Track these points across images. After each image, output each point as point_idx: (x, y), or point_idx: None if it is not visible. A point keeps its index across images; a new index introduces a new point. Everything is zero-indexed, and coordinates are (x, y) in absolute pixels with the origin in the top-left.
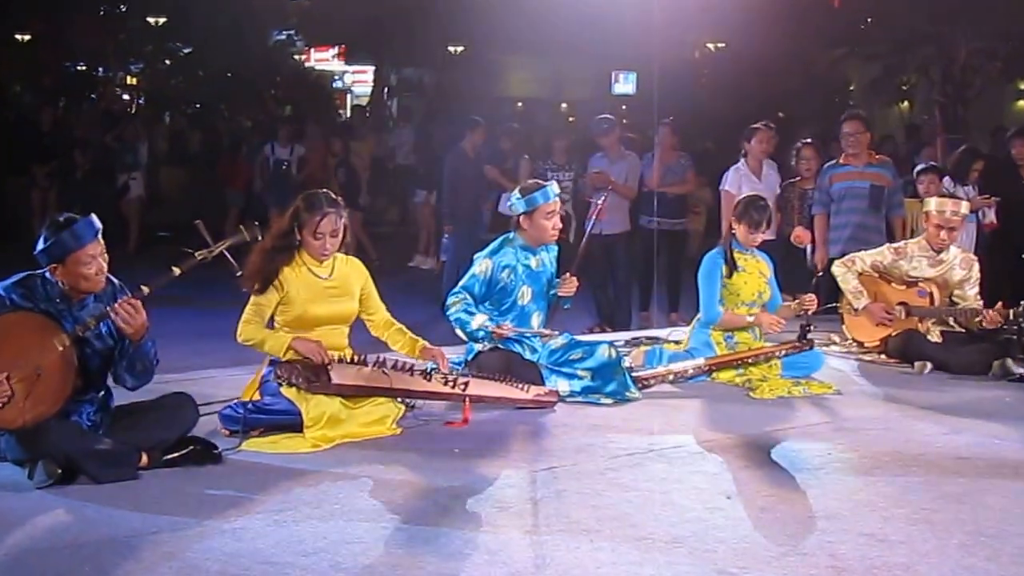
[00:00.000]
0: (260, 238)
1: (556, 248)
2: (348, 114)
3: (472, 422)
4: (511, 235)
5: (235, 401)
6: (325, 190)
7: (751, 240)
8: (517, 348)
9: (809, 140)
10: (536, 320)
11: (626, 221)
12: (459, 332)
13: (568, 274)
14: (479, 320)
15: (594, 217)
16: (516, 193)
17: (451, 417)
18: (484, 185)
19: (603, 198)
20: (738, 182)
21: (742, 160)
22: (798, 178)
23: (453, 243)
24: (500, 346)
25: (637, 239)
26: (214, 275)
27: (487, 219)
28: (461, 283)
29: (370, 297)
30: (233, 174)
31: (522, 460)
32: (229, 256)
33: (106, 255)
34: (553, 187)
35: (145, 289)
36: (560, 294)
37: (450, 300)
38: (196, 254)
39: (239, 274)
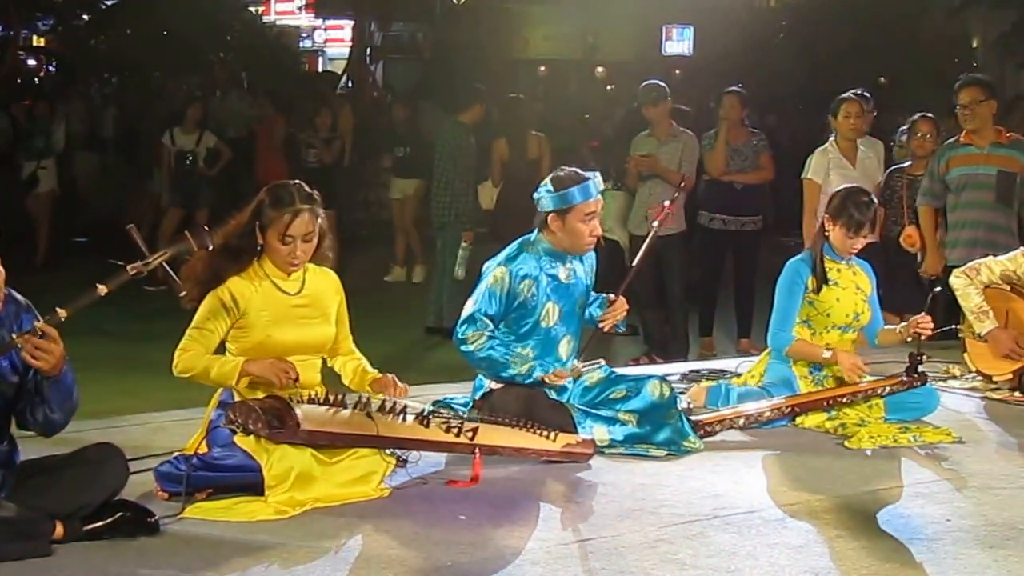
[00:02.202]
0: (211, 247)
1: (593, 254)
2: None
3: (483, 481)
4: (532, 237)
5: (176, 455)
6: (296, 182)
7: (849, 246)
8: (542, 386)
9: (926, 114)
10: (566, 348)
11: (680, 219)
12: (485, 374)
13: (614, 296)
14: (523, 361)
15: (657, 223)
16: (547, 184)
17: (456, 474)
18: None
19: (672, 199)
20: (824, 168)
21: (830, 140)
22: (908, 162)
23: (468, 252)
24: (516, 384)
25: (695, 243)
26: (148, 295)
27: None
28: (472, 303)
29: (342, 321)
30: None
31: (548, 530)
32: (169, 270)
33: (0, 268)
34: (597, 181)
35: (62, 313)
36: (604, 324)
37: (465, 332)
38: (128, 268)
39: (183, 294)
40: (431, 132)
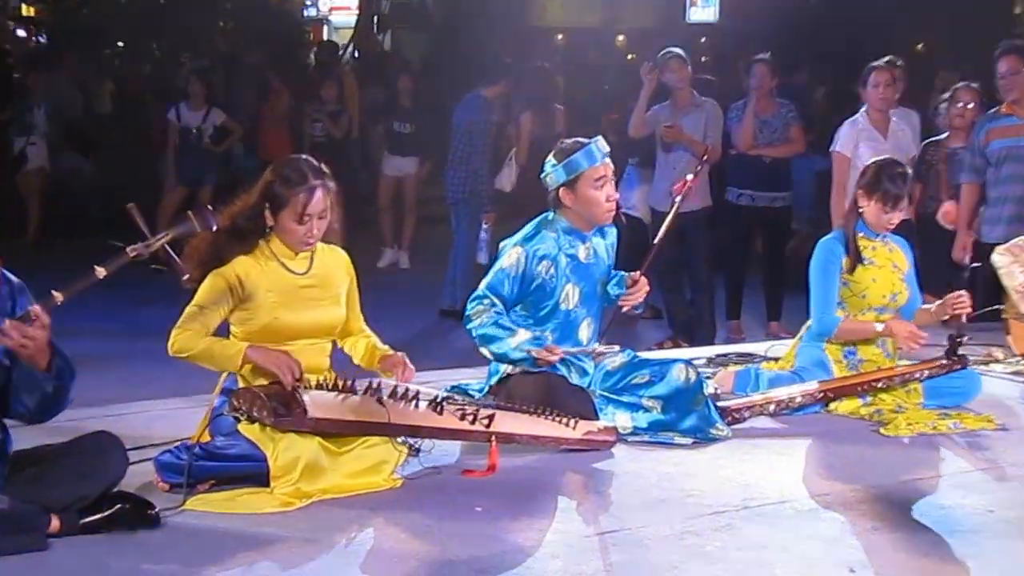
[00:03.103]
0: (215, 227)
1: (614, 231)
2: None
3: (500, 470)
4: (550, 215)
5: (177, 444)
6: (304, 156)
7: (885, 222)
8: (561, 369)
9: (969, 83)
10: (586, 331)
11: (705, 194)
12: (485, 351)
13: (637, 274)
14: (518, 338)
15: (680, 196)
16: (550, 159)
17: (471, 464)
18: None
19: (695, 171)
20: (853, 141)
21: (861, 111)
22: (946, 134)
23: (489, 236)
24: (537, 367)
25: (722, 220)
26: (149, 278)
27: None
28: (484, 282)
29: (352, 302)
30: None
31: (569, 522)
32: (171, 252)
33: None
34: (599, 144)
35: (57, 296)
36: (625, 304)
37: (471, 308)
38: (127, 249)
39: (186, 277)
40: (442, 106)
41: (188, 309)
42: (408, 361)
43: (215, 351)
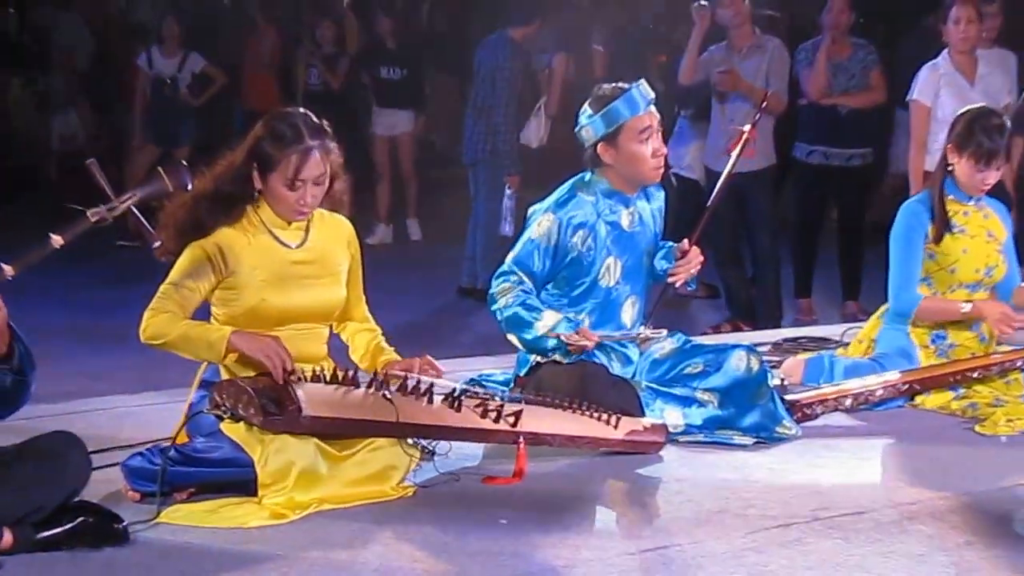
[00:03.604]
0: (190, 187)
1: (662, 195)
2: None
3: (528, 477)
4: (587, 176)
5: (149, 446)
6: (303, 111)
7: (979, 182)
8: (600, 357)
9: None
10: (630, 312)
11: (769, 150)
12: (512, 338)
13: (686, 242)
14: (548, 320)
15: (736, 152)
16: (585, 109)
17: (495, 469)
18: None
19: (753, 120)
20: (934, 88)
21: (944, 55)
22: None
23: (514, 202)
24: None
25: (789, 181)
26: (115, 251)
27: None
28: (511, 256)
29: (354, 281)
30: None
31: (609, 538)
32: (141, 218)
33: None
34: (643, 89)
35: (8, 269)
36: (674, 279)
37: (496, 285)
38: (88, 213)
39: (156, 245)
40: (454, 43)
41: (163, 287)
42: (435, 363)
43: (194, 337)
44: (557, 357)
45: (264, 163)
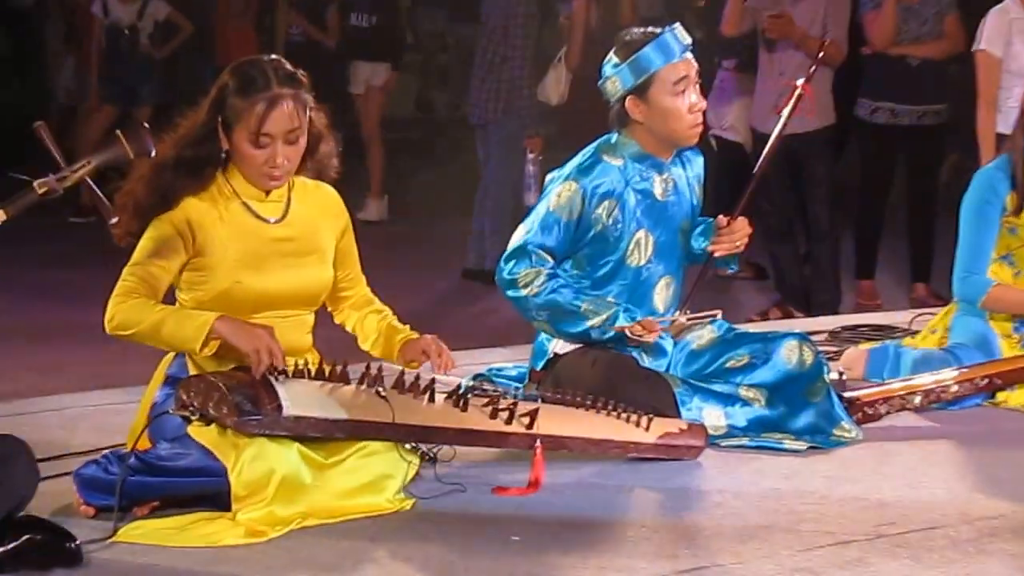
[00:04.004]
0: (153, 153)
1: (701, 160)
2: None
3: (545, 487)
4: (613, 137)
5: (105, 453)
6: (273, 57)
7: None
8: (629, 348)
9: None
10: (663, 296)
11: (827, 108)
12: (547, 327)
13: (727, 217)
14: (603, 308)
15: (787, 110)
16: (610, 58)
17: (506, 478)
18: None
19: (808, 73)
20: (1004, 35)
21: None
22: None
23: (539, 168)
24: (596, 346)
25: (850, 144)
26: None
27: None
28: (523, 231)
29: (347, 257)
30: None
31: (639, 557)
32: (96, 189)
33: None
34: (678, 32)
35: None
36: (714, 250)
37: (515, 270)
38: (36, 184)
39: (114, 221)
40: None
41: (128, 270)
42: (444, 346)
43: (171, 325)
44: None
45: (228, 116)
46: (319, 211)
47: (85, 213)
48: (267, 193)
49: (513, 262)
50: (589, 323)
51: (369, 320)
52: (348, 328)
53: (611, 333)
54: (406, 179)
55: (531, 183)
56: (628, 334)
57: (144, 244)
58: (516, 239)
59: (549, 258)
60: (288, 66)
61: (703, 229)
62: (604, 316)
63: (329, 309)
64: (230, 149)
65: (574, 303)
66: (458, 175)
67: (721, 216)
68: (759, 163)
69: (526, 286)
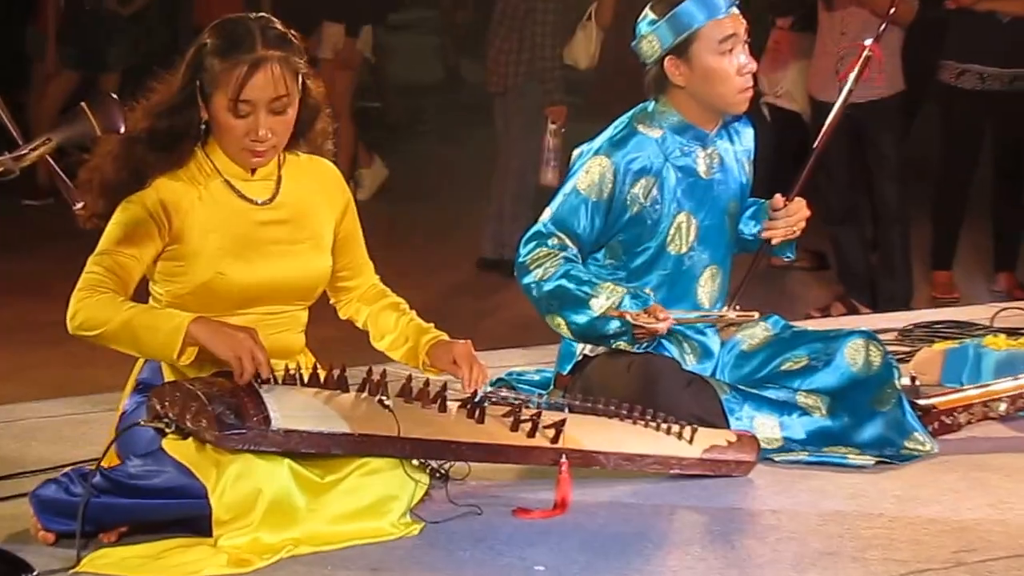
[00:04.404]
0: (123, 129)
1: (751, 131)
2: None
3: (574, 508)
4: (650, 106)
5: (67, 470)
6: (259, 15)
7: None
8: (669, 348)
9: None
10: (709, 287)
11: (896, 72)
12: (553, 322)
13: (779, 198)
14: (607, 294)
15: (853, 75)
16: (647, 14)
17: (528, 499)
18: None
19: (877, 32)
20: None
21: None
22: None
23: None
24: (633, 347)
25: (924, 113)
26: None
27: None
28: (548, 212)
29: (350, 241)
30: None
31: None
32: (57, 168)
33: None
34: None
35: None
36: (768, 236)
37: (527, 252)
38: None
39: (79, 206)
40: None
41: (93, 259)
42: (476, 357)
43: (141, 326)
44: (622, 345)
45: (206, 81)
46: (314, 189)
47: (42, 195)
48: (252, 170)
49: (531, 245)
50: (590, 309)
51: (386, 315)
52: (358, 324)
53: (616, 322)
54: (413, 155)
55: (550, 158)
56: (631, 321)
57: (112, 230)
58: (540, 221)
59: (571, 242)
60: (279, 25)
61: (754, 211)
62: (609, 301)
63: (332, 302)
64: (209, 120)
65: (582, 290)
66: (477, 150)
67: (777, 196)
68: (820, 136)
69: (535, 268)
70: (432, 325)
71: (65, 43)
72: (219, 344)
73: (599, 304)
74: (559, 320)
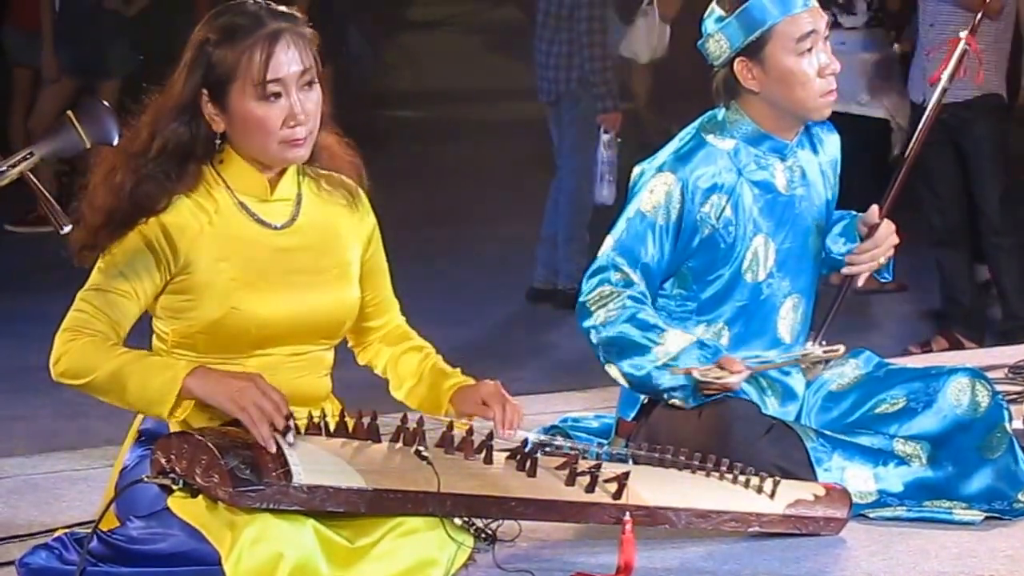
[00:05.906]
0: (117, 140)
1: (836, 139)
2: None
3: (639, 572)
4: (720, 114)
5: (60, 533)
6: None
7: None
8: (746, 390)
9: None
10: (790, 319)
11: (998, 73)
12: (614, 371)
13: (875, 210)
14: (673, 342)
15: (947, 72)
16: (713, 10)
17: (588, 562)
18: None
19: (973, 24)
20: None
21: None
22: None
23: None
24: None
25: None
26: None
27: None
28: (609, 242)
29: (376, 273)
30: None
31: None
32: (42, 188)
33: None
34: None
35: None
36: (852, 270)
37: (590, 290)
38: None
39: (66, 229)
40: None
41: (83, 295)
42: (508, 397)
43: (131, 378)
44: (676, 402)
45: (217, 79)
46: (338, 211)
47: (29, 220)
48: (283, 165)
49: (593, 281)
50: (654, 358)
51: (407, 360)
52: (377, 370)
53: (677, 380)
54: (455, 170)
55: (605, 172)
56: (699, 378)
57: (105, 261)
58: (600, 254)
59: (637, 277)
60: (277, 5)
61: (843, 228)
62: (674, 349)
63: (350, 345)
64: (228, 125)
65: (646, 337)
66: (526, 166)
67: (874, 208)
68: (912, 144)
69: (596, 309)
70: (459, 370)
71: (58, 46)
72: (220, 396)
73: (663, 352)
74: (616, 368)
